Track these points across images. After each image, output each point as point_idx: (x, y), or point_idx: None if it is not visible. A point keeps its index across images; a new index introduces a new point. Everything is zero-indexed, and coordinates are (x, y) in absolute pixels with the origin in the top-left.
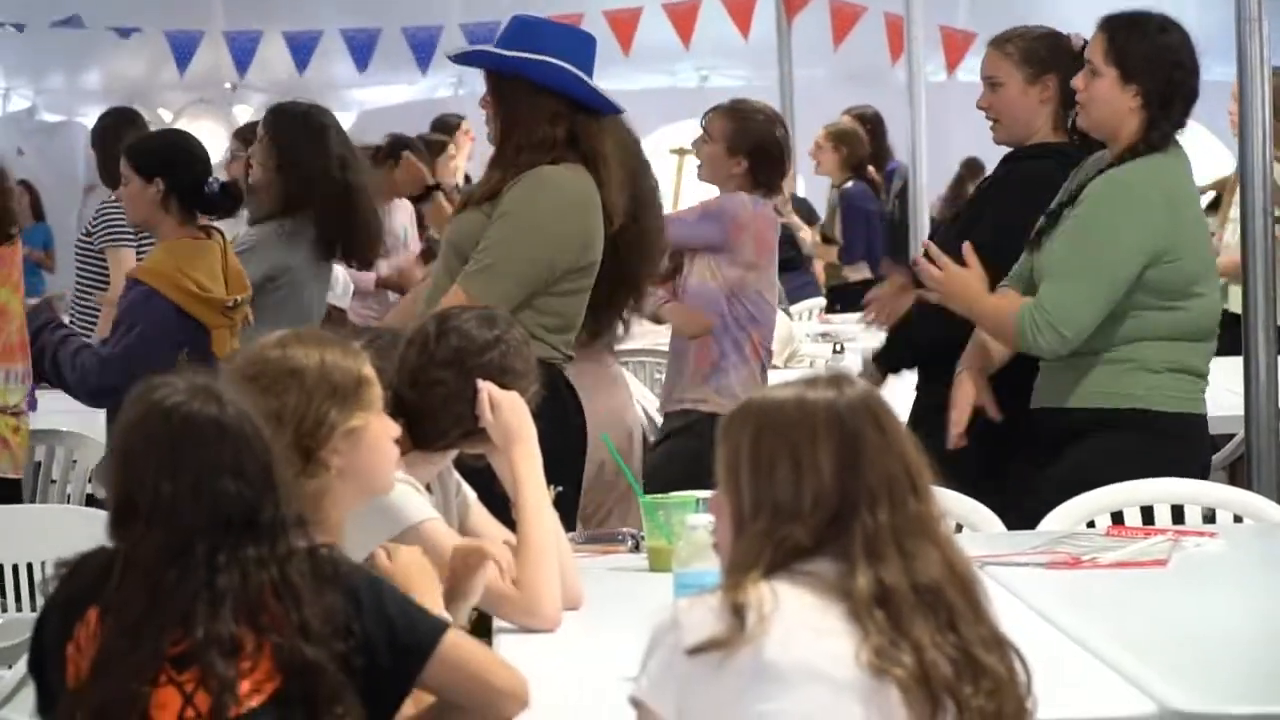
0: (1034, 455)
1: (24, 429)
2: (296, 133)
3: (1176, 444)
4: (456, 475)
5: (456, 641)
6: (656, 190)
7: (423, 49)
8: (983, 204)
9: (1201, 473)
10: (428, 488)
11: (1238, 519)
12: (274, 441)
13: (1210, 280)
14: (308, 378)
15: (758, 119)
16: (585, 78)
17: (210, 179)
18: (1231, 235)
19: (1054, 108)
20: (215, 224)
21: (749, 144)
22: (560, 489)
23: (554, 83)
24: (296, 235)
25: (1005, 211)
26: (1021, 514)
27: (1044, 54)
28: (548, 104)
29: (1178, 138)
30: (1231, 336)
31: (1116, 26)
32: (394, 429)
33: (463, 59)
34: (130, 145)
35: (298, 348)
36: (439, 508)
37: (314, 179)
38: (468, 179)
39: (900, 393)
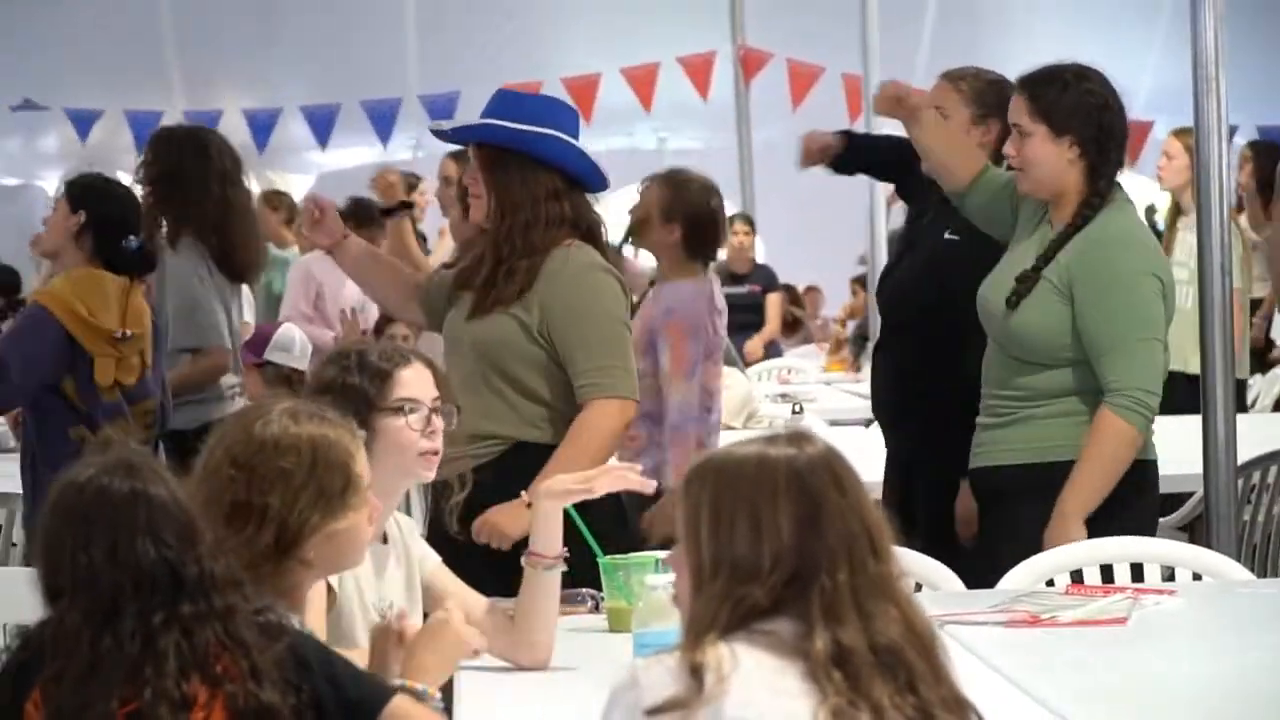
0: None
1: None
2: (180, 154)
3: (1120, 494)
4: (423, 544)
5: (403, 705)
6: None
7: (382, 121)
8: (953, 251)
9: (1149, 522)
10: (385, 538)
11: (1197, 577)
12: (247, 543)
13: (1166, 328)
14: (295, 479)
15: (692, 188)
16: (584, 151)
17: (131, 236)
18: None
19: (989, 153)
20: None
21: (682, 212)
22: (568, 554)
23: (555, 157)
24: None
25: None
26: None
27: (992, 99)
28: (546, 180)
29: (1119, 180)
30: (1189, 395)
31: (1035, 83)
32: (376, 509)
33: (463, 133)
34: (72, 179)
35: (292, 437)
36: (395, 554)
37: (197, 198)
38: (422, 238)
39: (868, 446)
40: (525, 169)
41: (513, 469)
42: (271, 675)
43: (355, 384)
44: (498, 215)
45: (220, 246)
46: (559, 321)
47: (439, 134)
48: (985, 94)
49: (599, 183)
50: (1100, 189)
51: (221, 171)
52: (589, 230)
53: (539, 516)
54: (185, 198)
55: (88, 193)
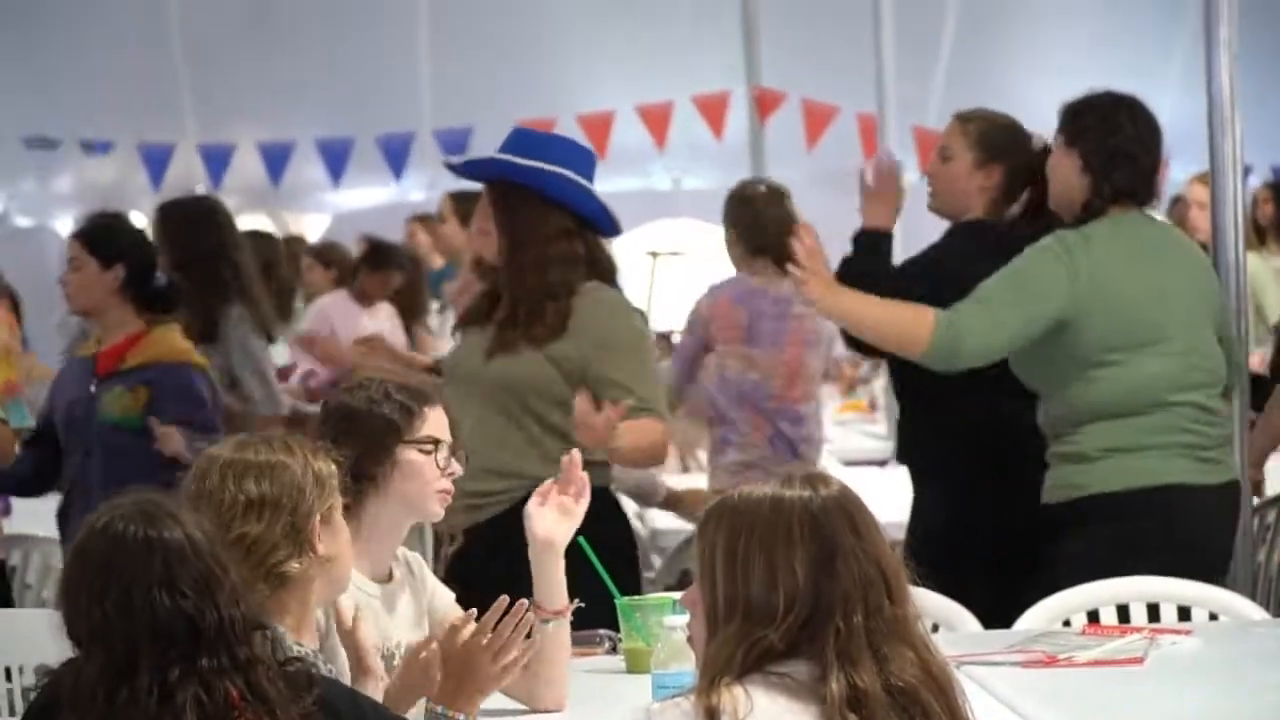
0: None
1: None
2: (186, 227)
3: (1139, 520)
4: (434, 579)
5: None
6: None
7: (396, 155)
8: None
9: (1179, 545)
10: (390, 575)
11: (1214, 617)
12: (264, 533)
13: (1138, 351)
14: (295, 468)
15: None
16: (594, 193)
17: (157, 274)
18: None
19: (993, 196)
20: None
21: (743, 221)
22: (583, 604)
23: (566, 197)
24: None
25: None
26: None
27: (1000, 142)
28: (557, 219)
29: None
30: None
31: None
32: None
33: (473, 167)
34: (85, 228)
35: (278, 444)
36: (412, 586)
37: (224, 272)
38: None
39: (884, 487)
40: (535, 207)
41: None
42: None
43: (384, 414)
44: (508, 252)
45: (257, 312)
46: (609, 360)
47: (451, 168)
48: (992, 137)
49: (609, 227)
50: (1094, 206)
51: (232, 241)
52: (604, 271)
53: (535, 567)
54: (219, 275)
55: (120, 244)
